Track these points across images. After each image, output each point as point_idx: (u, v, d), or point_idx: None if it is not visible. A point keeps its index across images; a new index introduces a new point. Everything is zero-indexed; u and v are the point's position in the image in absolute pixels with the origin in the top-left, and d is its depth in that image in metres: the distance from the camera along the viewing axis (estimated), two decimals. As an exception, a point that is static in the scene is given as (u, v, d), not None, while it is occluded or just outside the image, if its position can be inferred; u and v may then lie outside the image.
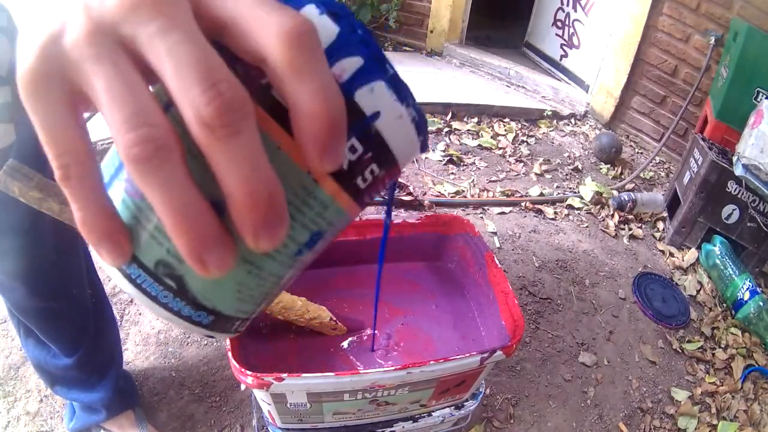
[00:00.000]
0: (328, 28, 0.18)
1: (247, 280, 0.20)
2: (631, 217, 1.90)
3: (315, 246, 0.21)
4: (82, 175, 0.16)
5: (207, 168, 0.16)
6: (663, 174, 2.31)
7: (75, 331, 0.84)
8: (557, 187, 2.03)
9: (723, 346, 1.45)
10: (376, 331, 0.79)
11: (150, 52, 0.15)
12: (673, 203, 1.89)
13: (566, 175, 2.14)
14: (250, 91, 0.16)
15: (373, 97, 0.19)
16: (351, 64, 0.19)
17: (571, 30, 2.76)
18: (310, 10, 0.19)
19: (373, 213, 1.69)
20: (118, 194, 0.19)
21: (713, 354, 1.42)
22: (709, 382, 1.33)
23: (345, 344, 0.80)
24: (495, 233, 1.69)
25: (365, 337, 0.80)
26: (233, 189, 0.15)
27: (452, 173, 1.98)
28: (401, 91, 0.20)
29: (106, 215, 0.17)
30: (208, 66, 0.15)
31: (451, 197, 1.82)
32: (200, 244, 0.16)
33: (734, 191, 1.61)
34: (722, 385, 1.33)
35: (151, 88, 0.16)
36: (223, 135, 0.15)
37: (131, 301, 1.28)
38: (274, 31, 0.15)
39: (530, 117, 2.53)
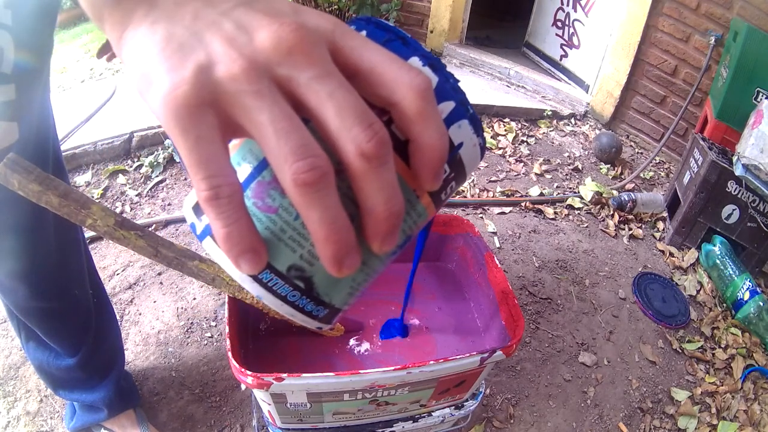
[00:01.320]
0: (430, 78, 0.23)
1: (359, 276, 0.24)
2: (631, 217, 1.90)
3: (405, 245, 0.26)
4: (231, 195, 0.18)
5: (342, 190, 0.20)
6: (663, 174, 2.31)
7: (77, 331, 0.84)
8: (557, 187, 2.03)
9: (723, 346, 1.45)
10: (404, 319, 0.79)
11: (310, 95, 0.18)
12: (673, 203, 1.89)
13: (566, 175, 2.14)
14: None
15: (460, 131, 0.25)
16: (447, 106, 0.24)
17: (571, 30, 2.76)
18: (416, 62, 0.24)
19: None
20: (252, 210, 0.22)
21: (713, 354, 1.42)
22: (709, 382, 1.33)
23: (345, 344, 0.80)
24: (495, 233, 1.69)
25: (363, 337, 0.80)
26: (377, 207, 0.19)
27: (452, 173, 1.98)
28: (477, 125, 0.26)
29: (250, 230, 0.19)
30: (363, 109, 0.18)
31: (452, 197, 1.82)
32: (343, 251, 0.19)
33: (734, 191, 1.61)
34: (722, 385, 1.33)
35: None
36: (377, 165, 0.18)
37: (131, 301, 1.28)
38: (406, 85, 0.19)
39: (530, 117, 2.53)
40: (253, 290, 0.22)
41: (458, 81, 0.25)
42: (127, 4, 0.20)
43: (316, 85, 0.18)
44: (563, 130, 2.51)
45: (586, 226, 1.82)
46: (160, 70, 0.18)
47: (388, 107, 0.20)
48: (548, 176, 2.10)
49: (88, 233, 1.33)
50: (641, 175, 2.22)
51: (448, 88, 0.24)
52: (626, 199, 1.90)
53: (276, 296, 0.22)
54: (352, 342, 0.80)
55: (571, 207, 1.91)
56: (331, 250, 0.19)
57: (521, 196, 1.91)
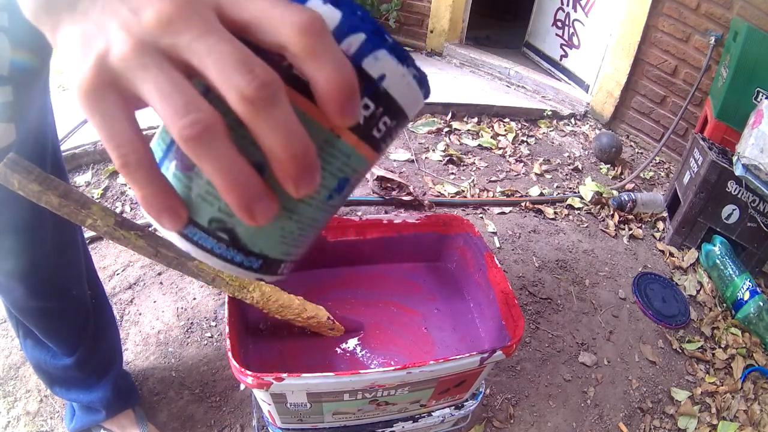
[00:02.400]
0: (332, 14, 0.22)
1: (289, 225, 0.24)
2: (631, 217, 1.90)
3: (343, 191, 0.25)
4: (139, 161, 0.20)
5: (246, 138, 0.20)
6: (663, 174, 2.31)
7: (74, 331, 0.84)
8: (557, 187, 2.03)
9: (723, 346, 1.45)
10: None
11: (190, 55, 0.19)
12: (673, 203, 1.89)
13: (566, 175, 2.14)
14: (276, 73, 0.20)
15: (378, 63, 0.23)
16: (356, 39, 0.23)
17: (571, 30, 2.76)
18: (315, 3, 0.23)
19: (372, 213, 1.69)
20: (169, 172, 0.23)
21: (713, 354, 1.42)
22: (709, 382, 1.33)
23: (345, 344, 0.79)
24: (495, 233, 1.69)
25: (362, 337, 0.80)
26: (276, 148, 0.19)
27: (452, 173, 1.98)
28: (401, 55, 0.24)
29: (163, 190, 0.21)
30: (242, 57, 0.19)
31: (451, 197, 1.82)
32: (248, 198, 0.20)
33: (734, 191, 1.61)
34: (722, 385, 1.33)
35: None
36: (263, 106, 0.18)
37: (131, 301, 1.28)
38: (288, 25, 0.19)
39: (530, 117, 2.53)
40: (182, 246, 0.23)
41: (367, 12, 0.24)
42: (55, 12, 0.22)
43: (195, 45, 0.19)
44: (563, 130, 2.51)
45: (586, 226, 1.82)
46: (73, 65, 0.20)
47: (280, 52, 0.20)
48: (548, 176, 2.09)
49: (88, 233, 1.33)
50: (641, 175, 2.22)
51: (355, 21, 0.23)
52: (626, 199, 1.90)
53: (203, 250, 0.23)
54: (352, 342, 0.80)
55: (571, 207, 1.91)
56: (234, 198, 0.19)
57: (521, 196, 1.91)
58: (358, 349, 0.79)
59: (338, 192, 0.25)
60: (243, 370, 0.58)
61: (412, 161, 1.99)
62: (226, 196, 0.20)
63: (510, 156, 2.17)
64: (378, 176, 1.79)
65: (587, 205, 1.93)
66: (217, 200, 0.22)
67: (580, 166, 2.20)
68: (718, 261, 1.62)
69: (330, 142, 0.23)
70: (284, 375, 0.58)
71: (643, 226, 1.89)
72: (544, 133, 2.44)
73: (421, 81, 0.26)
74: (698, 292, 1.62)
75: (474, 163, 2.07)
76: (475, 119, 2.38)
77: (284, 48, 0.20)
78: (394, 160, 1.98)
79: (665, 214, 1.92)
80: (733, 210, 1.64)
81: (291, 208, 0.23)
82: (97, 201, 0.54)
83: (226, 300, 0.68)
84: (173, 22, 0.19)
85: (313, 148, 0.20)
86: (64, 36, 0.22)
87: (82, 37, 0.21)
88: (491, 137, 2.27)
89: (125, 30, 0.20)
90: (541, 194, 1.94)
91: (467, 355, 0.65)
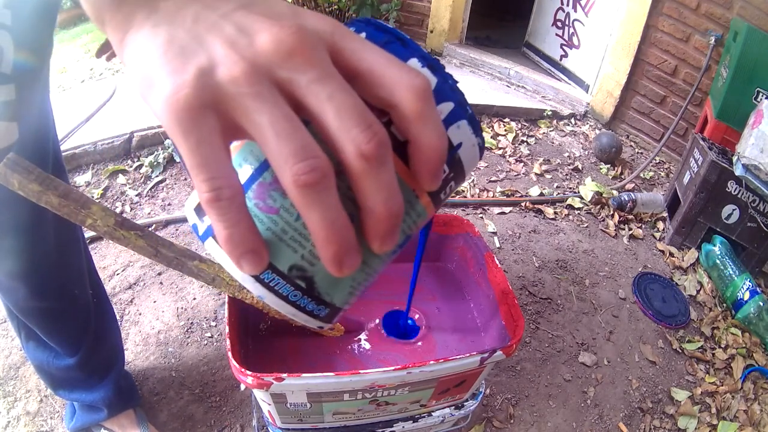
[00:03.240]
0: (430, 79, 0.24)
1: (360, 276, 0.24)
2: (631, 217, 1.90)
3: (405, 245, 0.26)
4: (232, 197, 0.19)
5: (342, 190, 0.20)
6: (663, 174, 2.31)
7: (76, 331, 0.84)
8: (557, 187, 2.03)
9: (723, 346, 1.45)
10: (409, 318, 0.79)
11: (309, 97, 0.18)
12: (673, 203, 1.89)
13: (566, 175, 2.14)
14: None
15: (459, 132, 0.25)
16: (446, 107, 0.25)
17: (571, 30, 2.76)
18: (415, 63, 0.24)
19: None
20: (253, 210, 0.22)
21: (713, 354, 1.42)
22: (709, 382, 1.33)
23: (345, 344, 0.79)
24: (495, 233, 1.69)
25: (361, 337, 0.80)
26: (377, 206, 0.19)
27: (452, 173, 1.98)
28: (476, 126, 0.26)
29: (251, 231, 0.20)
30: (362, 110, 0.18)
31: (451, 197, 1.82)
32: (343, 251, 0.19)
33: (734, 191, 1.61)
34: (722, 385, 1.33)
35: None
36: (376, 165, 0.19)
37: (131, 301, 1.28)
38: (405, 87, 0.20)
39: (530, 117, 2.53)
40: (255, 290, 0.22)
41: (457, 82, 0.25)
42: (128, 8, 0.20)
43: (316, 87, 0.18)
44: (563, 130, 2.51)
45: (586, 226, 1.82)
46: (161, 73, 0.18)
47: (387, 109, 0.20)
48: (548, 176, 2.10)
49: (88, 233, 1.33)
50: (641, 175, 2.22)
51: (447, 89, 0.24)
52: (626, 199, 1.90)
53: (278, 296, 0.23)
54: (352, 342, 0.80)
55: (571, 207, 1.91)
56: (332, 250, 0.19)
57: (521, 196, 1.91)
58: (358, 348, 0.79)
59: (401, 246, 0.26)
60: (243, 370, 0.58)
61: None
62: (323, 247, 0.19)
63: (510, 156, 2.17)
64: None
65: (587, 205, 1.93)
66: (301, 248, 0.22)
67: (580, 166, 2.20)
68: (718, 261, 1.62)
69: (411, 203, 0.24)
70: (284, 375, 0.58)
71: (643, 226, 1.89)
72: (544, 133, 2.44)
73: (482, 149, 0.28)
74: (698, 292, 1.62)
75: (474, 163, 2.07)
76: (475, 119, 2.37)
77: (395, 107, 0.20)
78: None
79: (665, 214, 1.92)
80: (733, 210, 1.64)
81: (367, 261, 0.24)
82: (97, 201, 0.54)
83: (226, 300, 0.68)
84: (294, 55, 0.18)
85: (402, 209, 0.20)
86: (142, 39, 0.20)
87: (171, 45, 0.19)
88: (491, 137, 2.26)
89: (234, 50, 0.18)
90: (541, 194, 1.94)
91: (467, 355, 0.65)
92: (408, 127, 0.20)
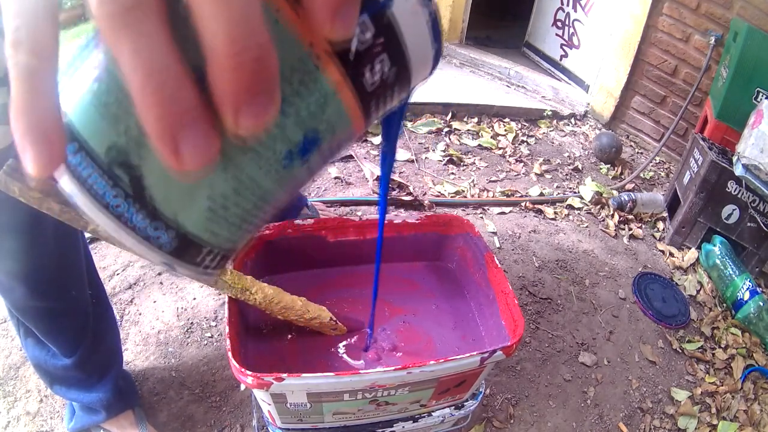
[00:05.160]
0: None
1: (221, 184, 0.16)
2: (631, 217, 1.90)
3: (308, 156, 0.17)
4: (35, 38, 0.14)
5: (191, 41, 0.13)
6: (663, 174, 2.31)
7: (74, 332, 0.84)
8: (557, 187, 2.03)
9: (723, 346, 1.45)
10: (371, 330, 0.79)
11: None
12: (673, 203, 1.89)
13: (566, 175, 2.14)
14: None
15: None
16: None
17: (571, 30, 2.76)
18: None
19: (373, 213, 1.69)
20: (75, 72, 0.16)
21: (713, 354, 1.42)
22: (709, 382, 1.33)
23: (345, 344, 0.79)
24: (495, 233, 1.69)
25: (363, 337, 0.80)
26: (215, 43, 0.13)
27: (452, 173, 1.98)
28: None
29: (47, 93, 0.14)
30: None
31: (451, 197, 1.82)
32: (175, 114, 0.13)
33: (734, 191, 1.61)
34: (722, 385, 1.33)
35: None
36: None
37: (131, 301, 1.28)
38: None
39: (530, 117, 2.53)
40: (65, 186, 0.16)
41: None
42: None
43: None
44: (563, 130, 2.51)
45: (586, 226, 1.82)
46: None
47: None
48: (548, 176, 2.09)
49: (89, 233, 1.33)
50: (641, 175, 2.22)
51: None
52: (626, 199, 1.90)
53: (90, 196, 0.15)
54: (352, 342, 0.80)
55: (571, 207, 1.91)
56: (156, 111, 0.13)
57: (521, 196, 1.91)
58: (359, 349, 0.79)
59: (301, 154, 0.17)
60: (243, 370, 0.58)
61: (412, 161, 1.99)
62: (141, 105, 0.13)
63: (510, 156, 2.17)
64: (378, 176, 1.79)
65: (587, 205, 1.93)
66: (127, 114, 0.14)
67: (580, 166, 2.20)
68: (718, 261, 1.62)
69: (304, 67, 0.16)
70: (284, 375, 0.58)
71: (643, 226, 1.89)
72: (544, 133, 2.44)
73: (435, 30, 0.20)
74: (698, 292, 1.62)
75: (474, 163, 2.07)
76: (475, 119, 2.38)
77: None
78: (394, 160, 1.98)
79: (665, 214, 1.92)
80: (733, 210, 1.64)
81: (229, 156, 0.15)
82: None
83: (226, 300, 0.68)
84: None
85: (275, 58, 0.13)
86: None
87: None
88: (491, 137, 2.26)
89: None
90: (541, 194, 1.94)
91: (467, 355, 0.65)
92: None
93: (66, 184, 0.16)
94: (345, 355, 0.78)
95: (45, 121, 0.14)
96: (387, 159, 0.39)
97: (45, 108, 0.14)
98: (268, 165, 0.17)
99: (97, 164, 0.15)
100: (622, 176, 2.20)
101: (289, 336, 0.78)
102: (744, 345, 1.44)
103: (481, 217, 1.76)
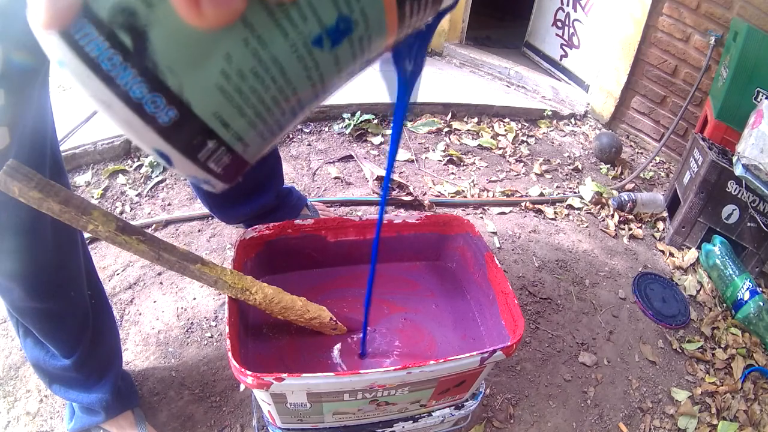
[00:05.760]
0: None
1: (243, 56, 0.14)
2: (631, 217, 1.90)
3: (338, 44, 0.15)
4: None
5: None
6: (663, 174, 2.31)
7: (73, 333, 0.84)
8: (557, 187, 2.03)
9: (723, 346, 1.45)
10: (368, 334, 0.79)
11: None
12: (673, 203, 1.89)
13: (566, 175, 2.14)
14: None
15: None
16: None
17: (571, 30, 2.76)
18: None
19: (373, 213, 1.69)
20: None
21: (713, 354, 1.42)
22: (709, 382, 1.33)
23: (345, 344, 0.79)
24: (495, 233, 1.69)
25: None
26: None
27: (452, 173, 1.98)
28: None
29: None
30: None
31: (451, 197, 1.82)
32: None
33: (734, 191, 1.61)
34: (722, 385, 1.33)
35: None
36: None
37: (131, 301, 1.28)
38: None
39: (530, 117, 2.53)
40: (55, 51, 0.14)
41: None
42: None
43: None
44: (563, 130, 2.51)
45: (586, 226, 1.82)
46: None
47: None
48: (548, 176, 2.10)
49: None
50: (641, 175, 2.22)
51: None
52: (626, 199, 1.90)
53: (83, 60, 0.13)
54: (352, 342, 0.80)
55: (571, 207, 1.91)
56: None
57: (521, 196, 1.91)
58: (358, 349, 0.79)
59: (331, 39, 0.15)
60: (243, 370, 0.58)
61: (412, 161, 1.99)
62: None
63: (510, 156, 2.17)
64: (378, 176, 1.79)
65: (587, 205, 1.93)
66: None
67: (580, 166, 2.20)
68: (718, 261, 1.62)
69: None
70: (284, 375, 0.58)
71: (643, 226, 1.89)
72: (544, 133, 2.44)
73: None
74: (698, 292, 1.62)
75: (474, 163, 2.07)
76: (475, 119, 2.38)
77: None
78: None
79: (665, 214, 1.92)
80: (733, 210, 1.64)
81: (254, 23, 0.13)
82: (98, 206, 0.54)
83: (227, 300, 0.68)
84: None
85: None
86: None
87: None
88: (491, 137, 2.26)
89: None
90: (541, 194, 1.94)
91: (467, 355, 0.65)
92: None
93: (56, 47, 0.14)
94: (345, 356, 0.78)
95: None
96: (409, 85, 0.36)
97: None
98: (294, 45, 0.15)
99: (98, 27, 0.13)
100: (622, 176, 2.20)
101: (289, 336, 0.78)
102: (744, 345, 1.44)
103: (481, 217, 1.76)
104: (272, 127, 0.16)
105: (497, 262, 0.81)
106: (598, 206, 1.93)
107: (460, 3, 2.93)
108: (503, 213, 1.80)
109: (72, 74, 0.14)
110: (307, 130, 2.05)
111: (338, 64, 0.16)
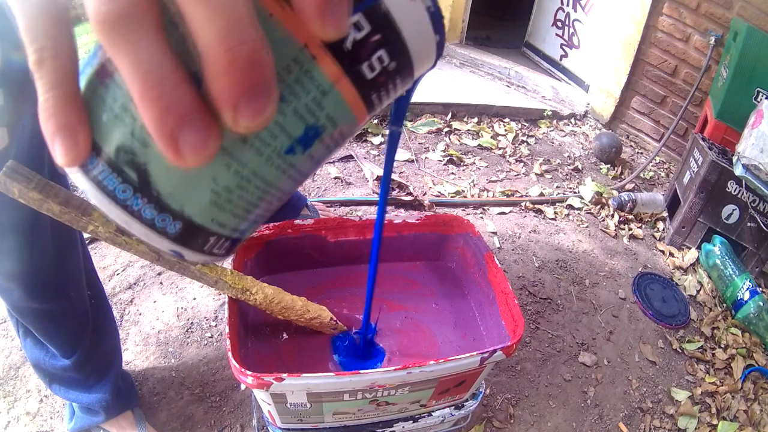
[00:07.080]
0: None
1: (226, 177, 0.17)
2: (631, 217, 1.90)
3: (310, 147, 0.18)
4: (55, 57, 0.15)
5: (186, 44, 0.14)
6: (663, 174, 2.31)
7: (73, 333, 0.84)
8: (557, 187, 2.03)
9: (723, 346, 1.45)
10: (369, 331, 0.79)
11: None
12: (673, 203, 1.89)
13: (566, 175, 2.14)
14: None
15: None
16: None
17: (571, 30, 2.76)
18: None
19: (373, 213, 1.69)
20: (85, 80, 0.17)
21: (713, 354, 1.42)
22: (709, 382, 1.33)
23: (345, 344, 0.79)
24: (495, 233, 1.69)
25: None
26: (208, 43, 0.13)
27: (452, 173, 1.98)
28: None
29: (69, 99, 0.16)
30: None
31: (451, 197, 1.82)
32: (174, 117, 0.14)
33: (734, 191, 1.61)
34: (722, 385, 1.33)
35: None
36: None
37: (131, 301, 1.28)
38: None
39: (530, 117, 2.53)
40: (79, 183, 0.17)
41: None
42: None
43: None
44: (563, 130, 2.51)
45: (586, 226, 1.82)
46: None
47: None
48: (548, 176, 2.09)
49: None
50: (641, 175, 2.22)
51: None
52: (626, 199, 1.90)
53: (103, 192, 0.17)
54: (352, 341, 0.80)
55: (571, 207, 1.91)
56: (155, 113, 0.14)
57: (521, 196, 1.91)
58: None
59: (303, 145, 0.18)
60: (243, 370, 0.58)
61: (412, 161, 1.99)
62: (141, 107, 0.14)
63: (510, 156, 2.17)
64: (378, 176, 1.79)
65: (587, 205, 1.93)
66: (132, 117, 0.16)
67: (580, 166, 2.20)
68: (718, 261, 1.62)
69: (300, 64, 0.16)
70: (284, 375, 0.58)
71: (643, 226, 1.89)
72: (544, 133, 2.44)
73: (436, 20, 0.19)
74: (698, 292, 1.62)
75: (474, 163, 2.07)
76: (475, 119, 2.38)
77: None
78: (394, 160, 1.98)
79: (665, 214, 1.92)
80: (733, 210, 1.64)
81: (231, 150, 0.16)
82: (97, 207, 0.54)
83: (226, 300, 0.68)
84: None
85: (270, 56, 0.14)
86: None
87: None
88: (491, 137, 2.27)
89: None
90: (541, 194, 1.94)
91: (467, 355, 0.65)
92: None
93: (80, 180, 0.17)
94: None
95: (73, 121, 0.16)
96: (394, 137, 0.41)
97: (72, 112, 0.16)
98: (270, 159, 0.17)
99: (108, 163, 0.16)
100: (622, 176, 2.20)
101: (289, 336, 0.78)
102: (744, 345, 1.44)
103: (481, 217, 1.76)
104: (263, 214, 0.20)
105: (497, 262, 0.81)
106: (598, 206, 1.93)
107: (459, 3, 2.93)
108: (503, 213, 1.80)
109: (95, 201, 0.17)
110: (307, 130, 2.05)
111: (313, 158, 0.19)
